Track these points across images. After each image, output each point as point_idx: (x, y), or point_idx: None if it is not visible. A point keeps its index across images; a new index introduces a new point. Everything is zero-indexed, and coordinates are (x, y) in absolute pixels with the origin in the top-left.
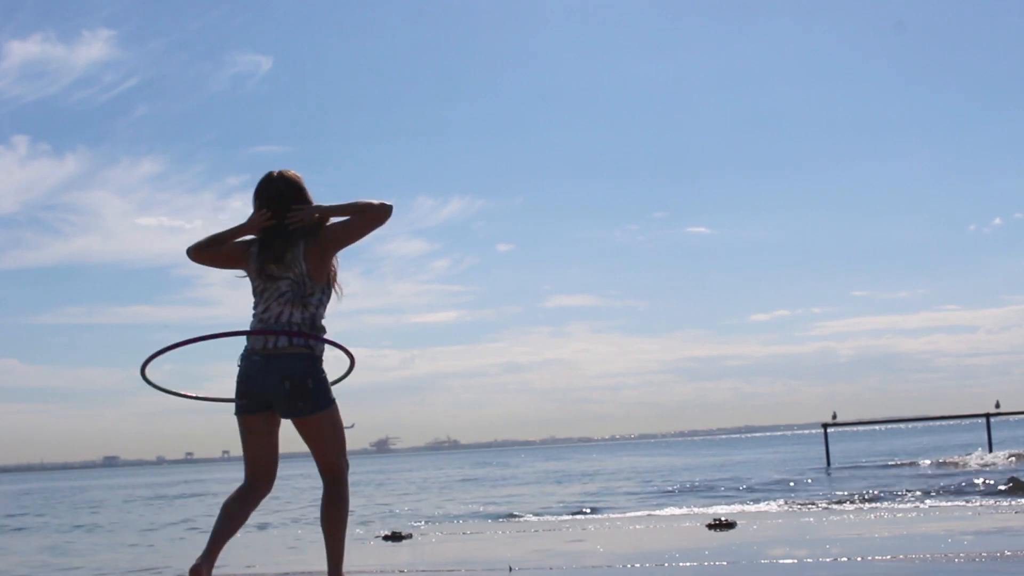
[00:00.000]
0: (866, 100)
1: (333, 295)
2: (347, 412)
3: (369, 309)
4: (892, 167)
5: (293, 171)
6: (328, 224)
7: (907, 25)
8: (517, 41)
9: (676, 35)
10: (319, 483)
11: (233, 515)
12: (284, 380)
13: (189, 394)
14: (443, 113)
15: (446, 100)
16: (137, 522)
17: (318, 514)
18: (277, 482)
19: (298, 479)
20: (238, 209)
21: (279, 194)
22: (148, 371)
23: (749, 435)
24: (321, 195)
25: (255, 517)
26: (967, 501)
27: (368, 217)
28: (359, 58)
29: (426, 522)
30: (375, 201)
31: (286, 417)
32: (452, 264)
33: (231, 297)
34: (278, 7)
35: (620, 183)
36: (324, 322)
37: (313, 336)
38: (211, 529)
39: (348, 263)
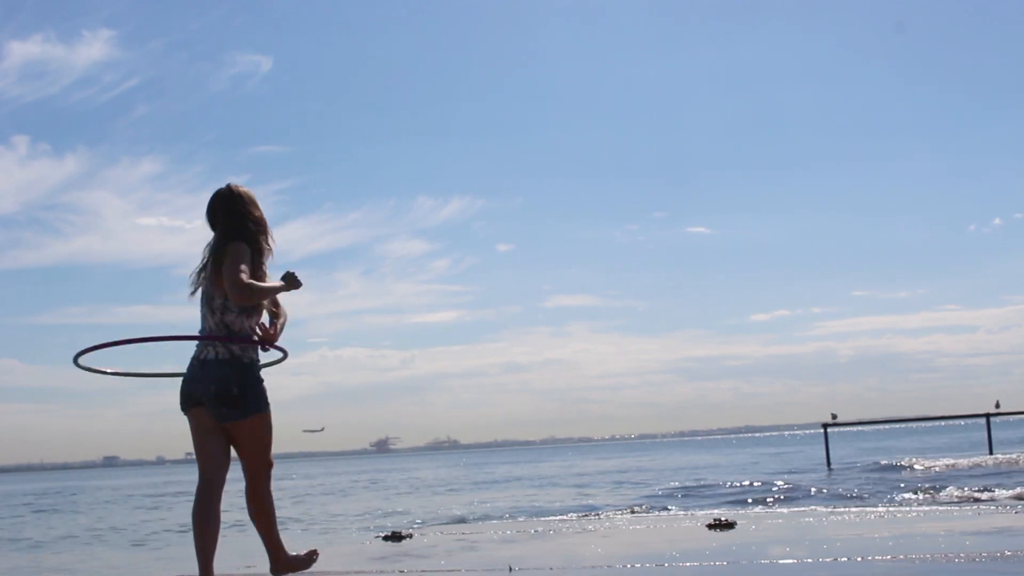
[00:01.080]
0: (866, 100)
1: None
2: (349, 412)
3: (369, 309)
4: (892, 167)
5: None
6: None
7: (907, 25)
8: (517, 41)
9: (677, 35)
10: (297, 484)
11: (205, 523)
12: (210, 385)
13: (121, 371)
14: (443, 113)
15: (446, 100)
16: (139, 523)
17: (305, 515)
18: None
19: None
20: None
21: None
22: (82, 361)
23: (749, 435)
24: (321, 195)
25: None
26: (967, 501)
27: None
28: (359, 58)
29: (426, 522)
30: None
31: (217, 420)
32: (452, 264)
33: None
34: (278, 7)
35: (620, 183)
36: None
37: (230, 340)
38: (195, 546)
39: (348, 264)
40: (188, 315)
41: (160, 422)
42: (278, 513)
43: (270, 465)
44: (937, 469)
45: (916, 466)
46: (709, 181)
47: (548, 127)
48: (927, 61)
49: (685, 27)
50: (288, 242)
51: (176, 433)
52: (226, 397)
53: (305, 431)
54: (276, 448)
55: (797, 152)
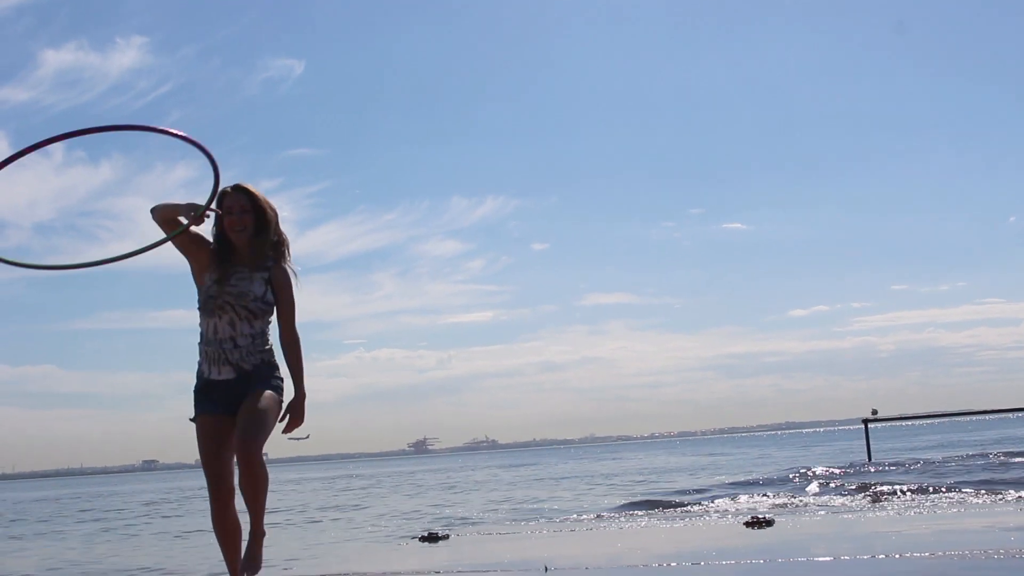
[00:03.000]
0: (902, 97)
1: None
2: (386, 413)
3: (405, 310)
4: (930, 161)
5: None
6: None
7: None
8: (551, 42)
9: (711, 35)
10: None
11: (225, 532)
12: None
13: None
14: (477, 114)
15: (480, 101)
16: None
17: (342, 515)
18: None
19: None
20: None
21: None
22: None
23: (790, 431)
24: (356, 197)
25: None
26: (1010, 496)
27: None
28: (391, 61)
29: (463, 523)
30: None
31: None
32: (487, 264)
33: None
34: (310, 12)
35: (656, 180)
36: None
37: None
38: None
39: (384, 264)
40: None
41: None
42: (316, 511)
43: (208, 492)
44: (980, 464)
45: (959, 461)
46: (745, 177)
47: (583, 126)
48: (961, 57)
49: (719, 28)
50: (323, 244)
51: None
52: None
53: (290, 438)
54: (272, 454)
55: (833, 148)
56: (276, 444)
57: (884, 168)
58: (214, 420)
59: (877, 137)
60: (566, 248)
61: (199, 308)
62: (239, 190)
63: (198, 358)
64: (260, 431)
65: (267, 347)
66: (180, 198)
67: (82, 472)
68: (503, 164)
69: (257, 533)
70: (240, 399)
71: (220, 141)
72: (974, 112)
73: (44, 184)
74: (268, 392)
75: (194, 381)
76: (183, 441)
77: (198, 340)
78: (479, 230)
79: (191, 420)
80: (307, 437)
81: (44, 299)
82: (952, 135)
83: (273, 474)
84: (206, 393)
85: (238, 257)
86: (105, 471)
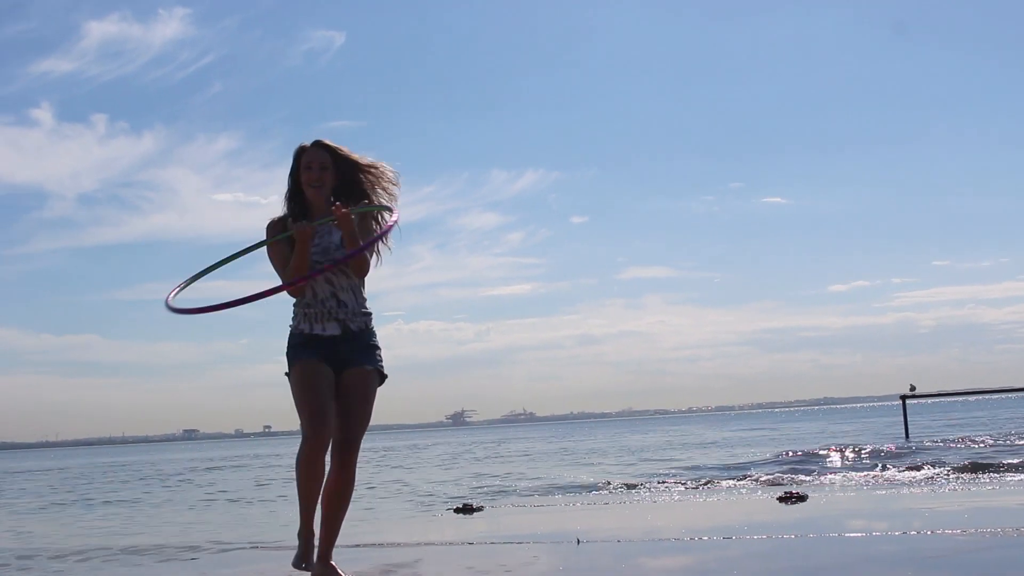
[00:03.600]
0: (945, 72)
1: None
2: (424, 385)
3: (444, 282)
4: (973, 137)
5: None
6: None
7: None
8: (591, 13)
9: (753, 8)
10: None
11: (315, 476)
12: None
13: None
14: (516, 86)
15: (519, 73)
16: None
17: (378, 486)
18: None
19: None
20: None
21: None
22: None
23: (827, 407)
24: (395, 169)
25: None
26: None
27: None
28: (432, 33)
29: (499, 495)
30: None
31: None
32: (526, 237)
33: None
34: None
35: (695, 154)
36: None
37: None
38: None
39: (422, 237)
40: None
41: (238, 396)
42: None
43: (301, 427)
44: (1020, 443)
45: (997, 438)
46: (785, 151)
47: (623, 100)
48: (1005, 33)
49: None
50: None
51: (254, 407)
52: None
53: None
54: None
55: (875, 122)
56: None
57: (926, 143)
58: (316, 362)
59: (919, 112)
60: (605, 221)
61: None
62: (319, 146)
63: (293, 322)
64: (364, 430)
65: (368, 311)
66: (223, 167)
67: (124, 440)
68: (543, 137)
69: (328, 556)
70: (342, 360)
71: (261, 112)
72: (1019, 88)
73: (87, 155)
74: (375, 382)
75: (289, 341)
76: (222, 412)
77: (294, 305)
78: (518, 203)
79: (286, 374)
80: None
81: (86, 270)
82: (996, 110)
83: None
84: (307, 346)
85: (314, 213)
86: (147, 439)
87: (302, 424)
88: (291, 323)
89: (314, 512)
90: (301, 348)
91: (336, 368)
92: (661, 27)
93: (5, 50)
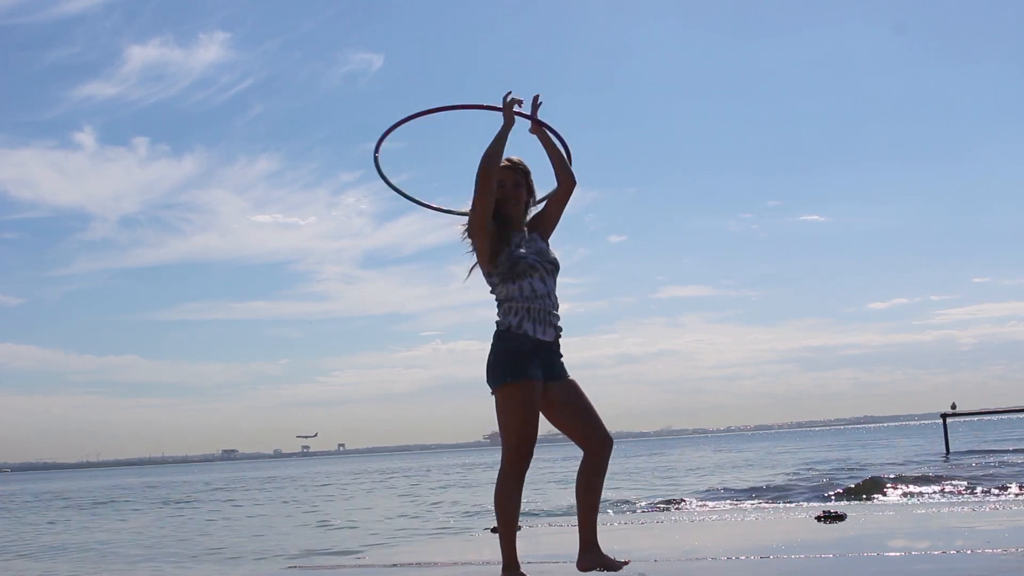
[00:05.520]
0: (984, 88)
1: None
2: (462, 404)
3: (481, 302)
4: (1012, 152)
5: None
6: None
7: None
8: (627, 33)
9: (787, 24)
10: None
11: (516, 507)
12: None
13: (431, 204)
14: (553, 105)
15: (556, 93)
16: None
17: (414, 507)
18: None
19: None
20: (351, 205)
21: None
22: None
23: (869, 425)
24: (434, 189)
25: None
26: None
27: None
28: (469, 53)
29: (535, 514)
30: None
31: None
32: (563, 256)
33: (346, 292)
34: (388, 6)
35: (733, 172)
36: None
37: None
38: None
39: (460, 257)
40: (304, 310)
41: (276, 416)
42: (389, 499)
43: (507, 451)
44: None
45: None
46: (823, 169)
47: (660, 118)
48: None
49: (800, 17)
50: (402, 237)
51: (292, 427)
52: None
53: (298, 436)
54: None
55: (913, 139)
56: (359, 434)
57: (963, 159)
58: (540, 385)
59: (956, 128)
60: (643, 240)
61: (501, 279)
62: (518, 169)
63: (513, 320)
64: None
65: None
66: (262, 189)
67: (163, 461)
68: (580, 155)
69: (594, 537)
70: (550, 367)
71: (300, 134)
72: None
73: (129, 177)
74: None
75: (507, 344)
76: (261, 431)
77: (510, 302)
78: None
79: (504, 384)
80: (315, 435)
81: (127, 291)
82: None
83: (352, 464)
84: (533, 356)
85: (515, 226)
86: (186, 460)
87: (509, 449)
88: (502, 319)
89: (515, 540)
90: (529, 359)
91: (546, 378)
92: (697, 45)
93: (50, 75)
